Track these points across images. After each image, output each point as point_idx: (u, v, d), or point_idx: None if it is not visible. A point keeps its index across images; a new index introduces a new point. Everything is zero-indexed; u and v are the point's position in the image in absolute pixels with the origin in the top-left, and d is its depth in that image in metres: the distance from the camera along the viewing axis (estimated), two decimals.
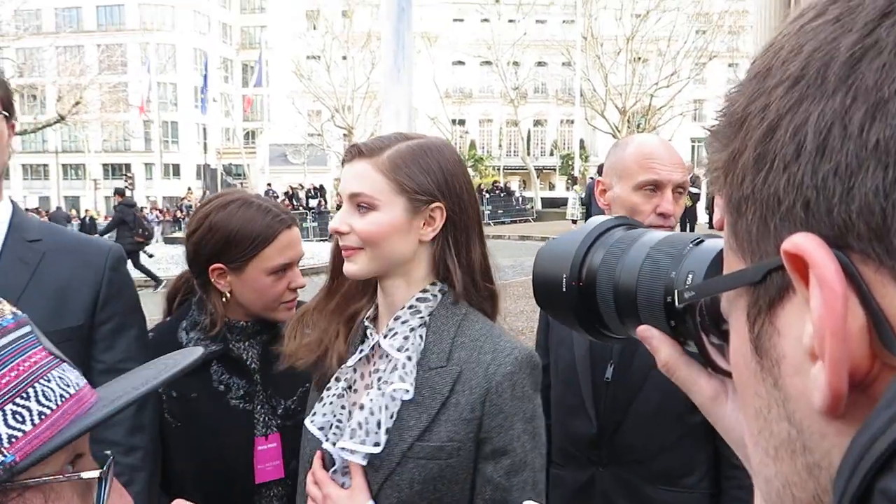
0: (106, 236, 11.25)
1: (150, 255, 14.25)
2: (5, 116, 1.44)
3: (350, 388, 1.27)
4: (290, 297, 1.61)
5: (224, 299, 1.58)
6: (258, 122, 42.40)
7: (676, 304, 0.45)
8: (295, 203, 26.74)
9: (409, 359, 1.17)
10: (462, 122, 41.60)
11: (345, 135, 34.01)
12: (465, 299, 1.23)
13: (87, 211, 27.31)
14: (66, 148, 45.04)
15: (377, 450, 1.14)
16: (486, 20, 35.92)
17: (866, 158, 0.28)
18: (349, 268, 1.22)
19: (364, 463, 1.16)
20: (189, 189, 32.66)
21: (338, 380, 1.26)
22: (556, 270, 0.52)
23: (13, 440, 0.52)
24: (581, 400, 1.66)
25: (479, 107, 43.73)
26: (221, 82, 41.32)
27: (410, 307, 1.21)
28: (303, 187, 27.93)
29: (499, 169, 41.26)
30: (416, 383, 1.16)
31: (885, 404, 0.25)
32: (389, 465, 1.15)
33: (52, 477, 0.55)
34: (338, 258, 1.26)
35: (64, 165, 44.41)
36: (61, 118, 32.54)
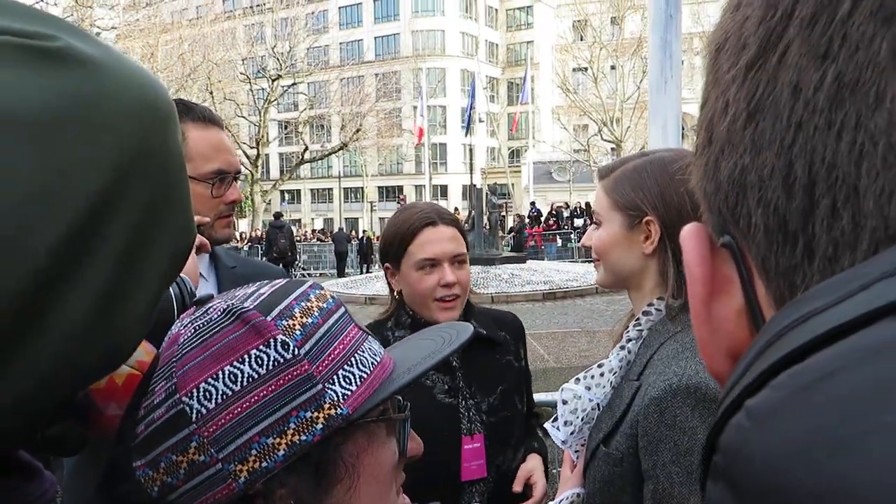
0: None
1: None
2: (227, 178, 1.71)
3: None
4: (443, 295, 1.68)
5: (397, 297, 1.75)
6: (523, 141, 43.96)
7: None
8: (560, 222, 27.11)
9: (611, 370, 1.33)
10: None
11: (613, 149, 33.77)
12: (687, 312, 1.25)
13: (364, 231, 30.44)
14: (347, 173, 50.67)
15: (560, 437, 1.36)
16: None
17: (724, 148, 0.31)
18: (596, 277, 1.45)
19: (563, 447, 1.38)
20: (456, 209, 34.86)
21: (577, 381, 1.42)
22: None
23: (346, 397, 0.70)
24: None
25: None
26: (487, 102, 43.60)
27: (636, 321, 1.35)
28: (567, 206, 28.22)
29: None
30: (613, 391, 1.32)
31: (738, 365, 0.28)
32: (587, 458, 1.33)
33: (371, 421, 0.74)
34: None
35: (345, 189, 50.04)
36: (344, 145, 36.86)
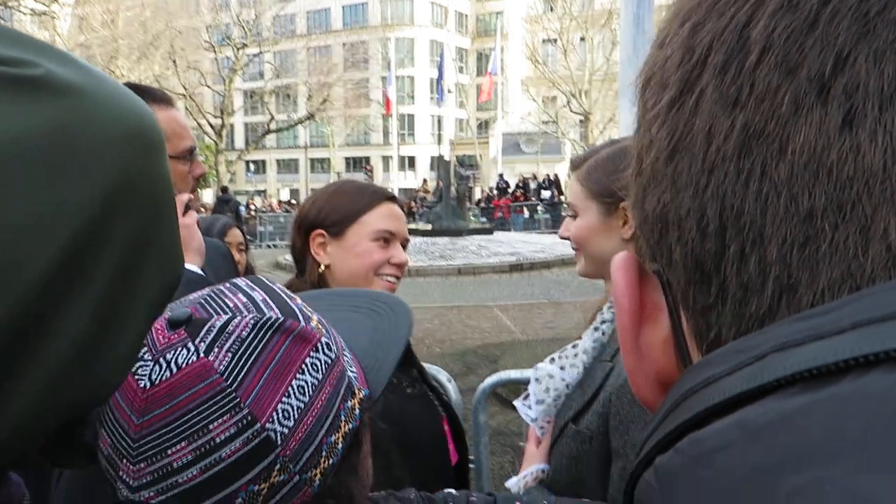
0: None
1: None
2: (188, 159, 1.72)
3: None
4: (390, 272, 1.60)
5: (320, 270, 1.59)
6: (492, 112, 43.83)
7: None
8: (527, 194, 27.19)
9: (585, 351, 1.35)
10: None
11: (581, 121, 33.86)
12: None
13: None
14: (314, 143, 50.07)
15: (530, 416, 1.38)
16: None
17: (649, 183, 0.32)
18: (577, 268, 1.46)
19: (531, 424, 1.40)
20: (424, 181, 34.75)
21: (552, 360, 1.45)
22: None
23: (358, 380, 0.74)
24: None
25: None
26: (456, 73, 43.32)
27: (610, 304, 1.37)
28: (535, 178, 28.29)
29: None
30: (586, 371, 1.35)
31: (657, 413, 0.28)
32: (555, 435, 1.36)
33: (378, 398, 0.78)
34: None
35: (311, 160, 49.52)
36: (311, 115, 36.41)
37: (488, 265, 13.74)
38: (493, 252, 14.96)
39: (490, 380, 2.97)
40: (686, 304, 0.31)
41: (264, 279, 0.76)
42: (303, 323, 0.69)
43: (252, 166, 52.73)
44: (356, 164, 50.92)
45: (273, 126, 35.94)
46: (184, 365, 0.64)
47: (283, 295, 0.72)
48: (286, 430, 0.64)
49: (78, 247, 0.40)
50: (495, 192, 28.09)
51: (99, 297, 0.42)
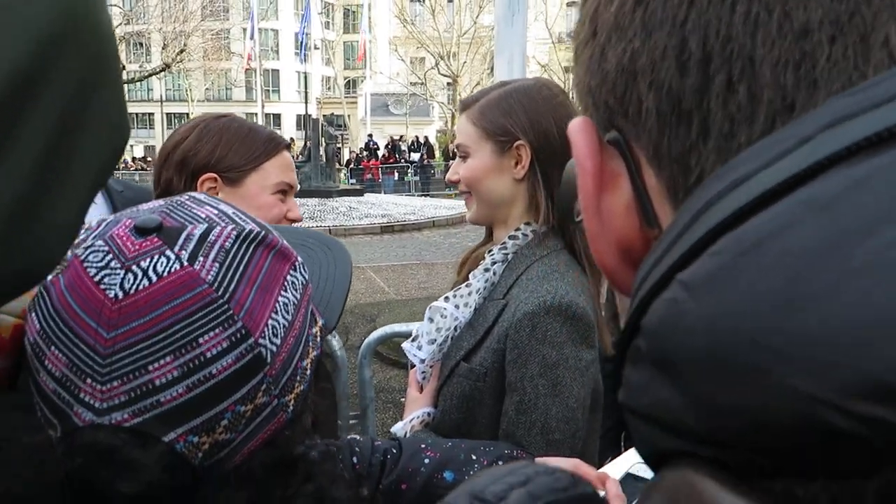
0: None
1: None
2: None
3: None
4: None
5: None
6: (359, 71, 43.08)
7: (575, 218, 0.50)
8: (397, 156, 27.09)
9: (477, 291, 1.36)
10: None
11: (449, 83, 33.98)
12: (559, 236, 1.36)
13: None
14: (170, 97, 47.39)
15: (419, 356, 1.38)
16: None
17: (610, 36, 0.31)
18: (468, 215, 1.42)
19: (419, 366, 1.40)
20: (291, 139, 33.78)
21: (446, 299, 1.44)
22: (572, 187, 0.50)
23: (318, 310, 0.72)
24: None
25: None
26: (322, 28, 42.09)
27: (501, 245, 1.37)
28: (403, 139, 28.22)
29: None
30: (476, 310, 1.36)
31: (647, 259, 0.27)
32: (443, 377, 1.36)
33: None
34: None
35: (168, 114, 46.79)
36: (166, 66, 34.27)
37: (359, 227, 13.61)
38: (364, 214, 14.84)
39: (376, 334, 2.93)
40: (657, 158, 0.30)
41: (213, 198, 0.69)
42: (281, 239, 0.65)
43: None
44: None
45: (124, 77, 33.45)
46: (165, 273, 0.57)
47: (242, 212, 0.67)
48: (274, 348, 0.60)
49: (13, 92, 0.37)
50: (365, 153, 27.78)
51: (35, 151, 0.39)
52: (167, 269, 0.57)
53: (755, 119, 0.26)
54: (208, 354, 0.57)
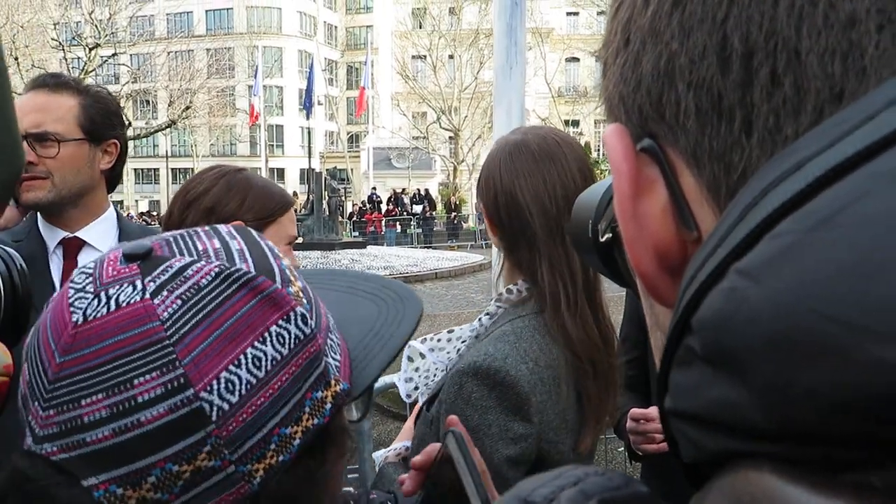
0: None
1: None
2: (88, 140, 1.73)
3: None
4: None
5: None
6: (362, 125, 43.68)
7: (599, 238, 0.47)
8: (399, 208, 27.26)
9: (459, 338, 1.38)
10: (576, 123, 41.10)
11: (451, 137, 34.41)
12: (543, 299, 1.32)
13: None
14: (176, 153, 47.98)
15: (404, 392, 1.43)
16: (602, 13, 35.46)
17: (645, 42, 0.31)
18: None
19: (406, 400, 1.44)
20: (294, 193, 34.07)
21: (423, 341, 1.46)
22: (584, 215, 0.53)
23: (339, 370, 0.62)
24: None
25: (595, 106, 43.06)
26: (326, 84, 42.86)
27: (497, 297, 1.37)
28: (405, 192, 28.44)
29: None
30: (459, 358, 1.34)
31: (690, 266, 0.27)
32: (415, 417, 1.41)
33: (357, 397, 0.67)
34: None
35: (173, 170, 47.30)
36: (172, 123, 34.83)
37: None
38: (366, 266, 14.86)
39: (375, 384, 2.90)
40: (696, 158, 0.30)
41: (252, 232, 0.63)
42: (278, 285, 0.57)
43: None
44: None
45: (130, 133, 34.03)
46: (124, 304, 0.53)
47: (266, 250, 0.61)
48: (226, 406, 0.53)
49: None
50: (368, 205, 27.97)
51: None
52: (129, 299, 0.53)
53: (802, 110, 0.26)
54: (139, 399, 0.51)
